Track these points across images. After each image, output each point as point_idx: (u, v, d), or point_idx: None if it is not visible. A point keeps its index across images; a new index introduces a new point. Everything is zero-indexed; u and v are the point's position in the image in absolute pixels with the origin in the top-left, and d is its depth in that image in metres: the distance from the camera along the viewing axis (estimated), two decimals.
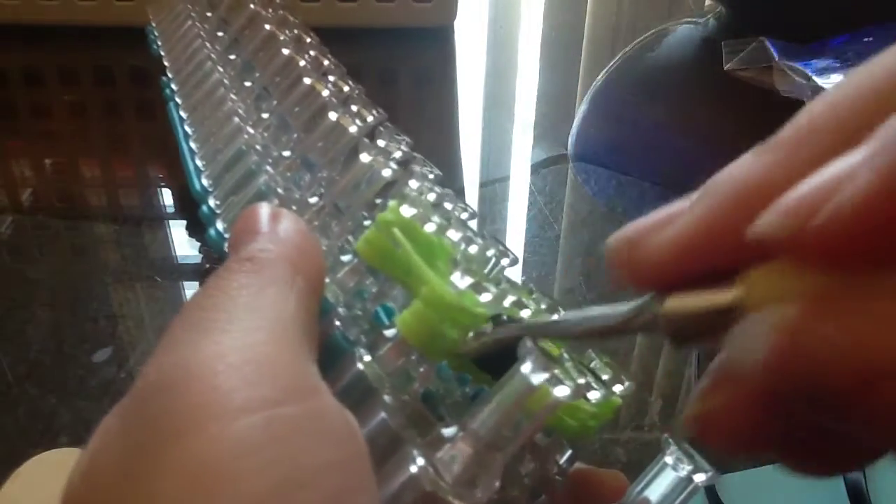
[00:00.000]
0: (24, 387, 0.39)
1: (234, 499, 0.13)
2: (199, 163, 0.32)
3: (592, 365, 0.20)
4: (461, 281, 0.18)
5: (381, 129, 0.26)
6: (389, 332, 0.19)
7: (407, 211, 0.20)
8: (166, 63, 0.45)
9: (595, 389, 0.19)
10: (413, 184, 0.23)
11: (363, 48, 0.72)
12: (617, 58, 0.68)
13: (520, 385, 0.16)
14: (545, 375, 0.16)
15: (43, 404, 0.38)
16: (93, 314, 0.43)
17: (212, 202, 0.29)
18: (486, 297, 0.18)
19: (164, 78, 0.45)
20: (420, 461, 0.16)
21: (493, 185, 0.57)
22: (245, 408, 0.14)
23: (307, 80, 0.29)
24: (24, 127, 0.66)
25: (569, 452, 0.21)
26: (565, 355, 0.19)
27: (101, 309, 0.44)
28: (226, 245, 0.24)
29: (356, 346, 0.19)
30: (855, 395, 0.10)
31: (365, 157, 0.23)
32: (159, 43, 0.48)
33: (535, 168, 0.58)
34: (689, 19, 0.73)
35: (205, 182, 0.30)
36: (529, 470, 0.20)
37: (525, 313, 0.19)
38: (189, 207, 0.44)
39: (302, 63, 0.31)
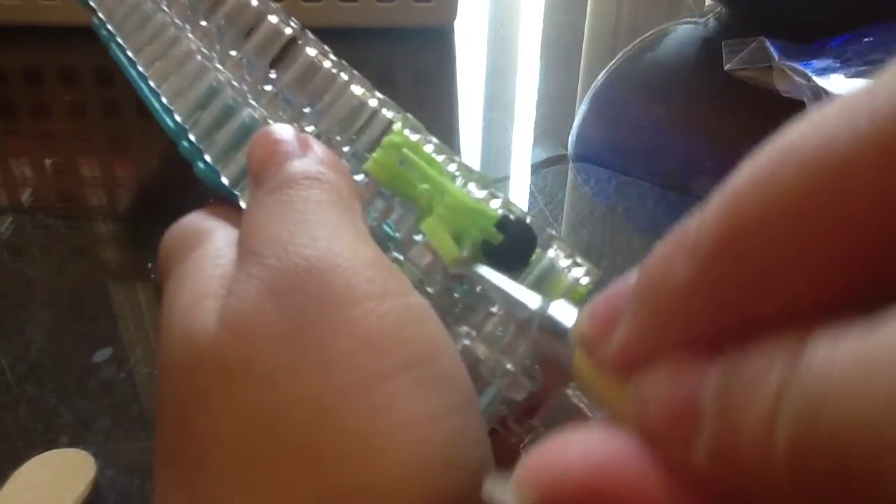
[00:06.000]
0: (24, 387, 0.39)
1: (400, 356, 0.16)
2: (164, 101, 0.31)
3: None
4: (477, 190, 0.22)
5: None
6: (418, 237, 0.22)
7: (411, 134, 0.23)
8: (92, 3, 0.41)
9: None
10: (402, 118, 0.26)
11: (363, 48, 0.72)
12: (617, 58, 0.68)
13: (548, 266, 0.19)
14: (568, 261, 0.19)
15: (43, 404, 0.38)
16: (93, 314, 0.43)
17: (192, 137, 0.29)
18: (495, 202, 0.22)
19: (94, 20, 0.41)
20: (473, 334, 0.20)
21: (494, 185, 0.57)
22: (385, 294, 0.17)
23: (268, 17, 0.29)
24: (24, 127, 0.66)
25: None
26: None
27: (101, 309, 0.44)
28: (223, 176, 0.26)
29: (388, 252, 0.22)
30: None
31: (356, 90, 0.26)
32: None
33: (536, 168, 0.58)
34: (689, 19, 0.73)
35: (178, 118, 0.30)
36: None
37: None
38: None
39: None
